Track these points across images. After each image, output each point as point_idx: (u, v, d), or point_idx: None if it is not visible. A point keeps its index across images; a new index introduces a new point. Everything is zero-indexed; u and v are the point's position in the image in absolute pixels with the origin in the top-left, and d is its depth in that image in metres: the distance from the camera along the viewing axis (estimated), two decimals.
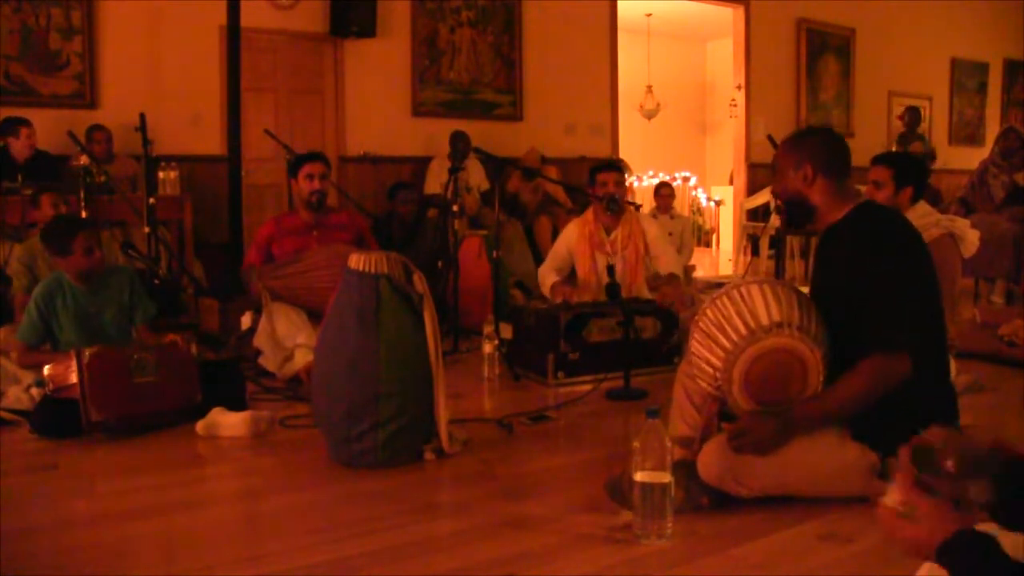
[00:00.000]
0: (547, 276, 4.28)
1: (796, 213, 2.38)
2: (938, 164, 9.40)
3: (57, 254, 3.37)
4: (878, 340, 2.12)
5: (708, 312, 2.28)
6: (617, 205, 4.20)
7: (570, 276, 4.35)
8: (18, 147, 5.14)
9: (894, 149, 8.45)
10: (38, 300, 3.37)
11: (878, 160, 3.67)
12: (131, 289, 3.55)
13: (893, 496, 1.15)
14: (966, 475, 1.13)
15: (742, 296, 2.23)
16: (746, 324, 2.17)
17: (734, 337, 2.17)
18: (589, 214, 4.32)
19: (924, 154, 8.35)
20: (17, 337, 3.44)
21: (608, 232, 4.25)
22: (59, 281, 3.42)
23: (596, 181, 4.24)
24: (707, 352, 2.25)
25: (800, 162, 2.30)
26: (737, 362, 2.14)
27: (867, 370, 2.12)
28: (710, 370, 2.24)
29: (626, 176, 4.31)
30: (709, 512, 2.21)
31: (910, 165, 3.70)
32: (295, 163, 4.22)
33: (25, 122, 5.17)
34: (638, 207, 4.65)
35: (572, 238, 4.31)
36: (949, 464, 1.13)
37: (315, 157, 4.18)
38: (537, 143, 7.33)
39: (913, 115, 8.97)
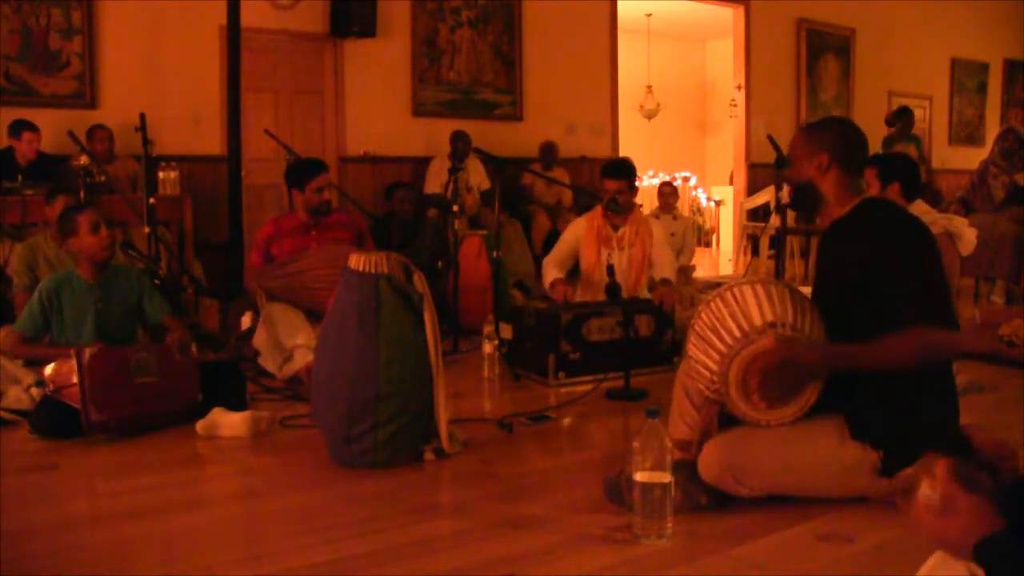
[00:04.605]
0: (549, 269, 4.28)
1: (803, 199, 2.38)
2: (938, 164, 9.36)
3: (67, 235, 3.40)
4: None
5: (702, 315, 2.28)
6: (616, 205, 4.21)
7: (571, 274, 4.35)
8: (22, 150, 5.16)
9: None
10: (43, 292, 3.38)
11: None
12: (140, 290, 3.55)
13: (927, 490, 1.10)
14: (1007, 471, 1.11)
15: (735, 297, 2.23)
16: (739, 326, 2.17)
17: (728, 340, 2.17)
18: (599, 210, 4.32)
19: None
20: (15, 328, 3.43)
21: (616, 229, 4.27)
22: (68, 277, 3.43)
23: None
24: (703, 355, 2.25)
25: (817, 151, 2.31)
26: (732, 365, 2.14)
27: (910, 338, 2.07)
28: (707, 373, 2.24)
29: (630, 179, 4.31)
30: (709, 512, 2.21)
31: (892, 161, 3.79)
32: (297, 175, 4.15)
33: (31, 126, 5.19)
34: (637, 207, 4.64)
35: (579, 232, 4.32)
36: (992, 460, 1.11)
37: (319, 169, 4.13)
38: (537, 143, 7.32)
39: (903, 119, 7.69)
